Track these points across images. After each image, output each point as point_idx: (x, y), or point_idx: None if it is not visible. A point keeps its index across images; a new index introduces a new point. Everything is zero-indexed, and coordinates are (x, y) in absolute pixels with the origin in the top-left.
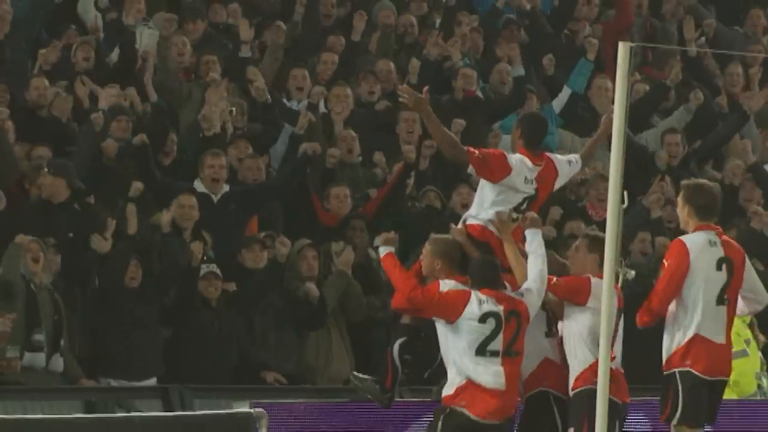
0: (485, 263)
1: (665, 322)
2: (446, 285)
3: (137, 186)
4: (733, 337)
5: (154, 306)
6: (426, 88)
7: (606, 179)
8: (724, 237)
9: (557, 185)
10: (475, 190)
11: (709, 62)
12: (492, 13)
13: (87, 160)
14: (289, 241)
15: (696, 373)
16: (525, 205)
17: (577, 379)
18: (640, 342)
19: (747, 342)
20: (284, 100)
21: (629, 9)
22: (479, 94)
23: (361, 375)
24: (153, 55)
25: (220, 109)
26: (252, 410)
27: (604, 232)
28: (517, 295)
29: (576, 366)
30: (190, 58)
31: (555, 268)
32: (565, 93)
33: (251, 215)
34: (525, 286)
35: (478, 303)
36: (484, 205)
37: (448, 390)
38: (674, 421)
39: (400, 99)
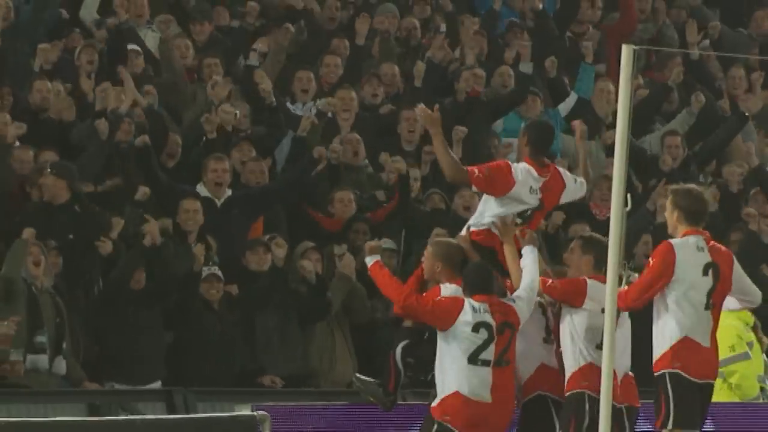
0: (478, 268)
1: (654, 324)
2: (447, 290)
3: (144, 190)
4: (734, 340)
5: (158, 309)
6: (437, 106)
7: (609, 179)
8: (712, 243)
9: (563, 199)
10: (477, 193)
11: (711, 65)
12: (491, 15)
13: (96, 164)
14: (285, 243)
15: (685, 375)
16: (529, 212)
17: (568, 381)
18: (640, 344)
19: (750, 345)
20: (288, 104)
21: (633, 12)
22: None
23: (363, 377)
24: (156, 57)
25: (224, 112)
26: (255, 413)
27: (608, 232)
28: (509, 301)
29: (569, 367)
30: (192, 60)
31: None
32: (572, 98)
33: (255, 219)
34: (516, 293)
35: (472, 311)
36: (486, 214)
37: (435, 402)
38: (669, 426)
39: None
